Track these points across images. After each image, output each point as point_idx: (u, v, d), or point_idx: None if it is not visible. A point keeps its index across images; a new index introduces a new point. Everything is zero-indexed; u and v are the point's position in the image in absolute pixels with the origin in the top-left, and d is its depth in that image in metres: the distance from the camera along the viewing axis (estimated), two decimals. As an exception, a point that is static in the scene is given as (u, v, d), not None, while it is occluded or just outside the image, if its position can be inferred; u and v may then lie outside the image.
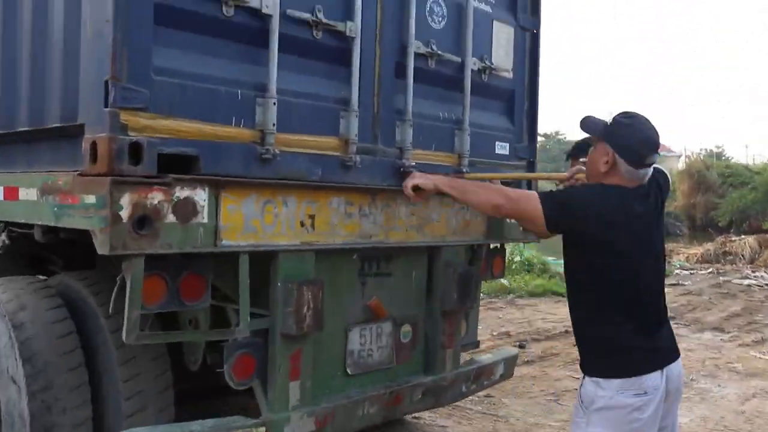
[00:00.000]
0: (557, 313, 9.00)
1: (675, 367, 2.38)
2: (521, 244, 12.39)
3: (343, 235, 2.93)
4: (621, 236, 2.30)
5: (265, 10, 2.59)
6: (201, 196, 2.42)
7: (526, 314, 8.84)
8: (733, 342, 7.59)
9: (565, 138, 68.83)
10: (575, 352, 6.62)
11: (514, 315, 8.73)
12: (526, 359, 6.33)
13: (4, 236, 3.09)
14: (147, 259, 2.31)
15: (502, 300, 9.74)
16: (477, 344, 4.18)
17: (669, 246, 17.93)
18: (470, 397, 4.31)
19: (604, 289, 2.30)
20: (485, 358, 3.86)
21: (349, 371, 3.07)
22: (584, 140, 3.04)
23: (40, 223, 2.64)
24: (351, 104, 2.93)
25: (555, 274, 11.74)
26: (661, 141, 2.44)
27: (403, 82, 3.18)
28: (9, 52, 2.89)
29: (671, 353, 2.42)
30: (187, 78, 2.41)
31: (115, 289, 2.41)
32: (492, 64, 3.66)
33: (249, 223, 2.58)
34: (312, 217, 2.82)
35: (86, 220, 2.28)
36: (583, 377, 2.39)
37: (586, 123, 2.46)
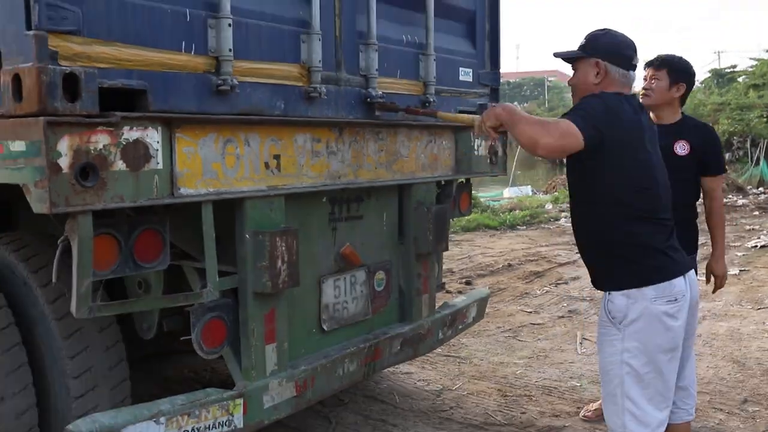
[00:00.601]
0: (494, 247, 8.96)
1: (692, 275, 2.36)
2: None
3: (311, 177, 2.59)
4: (639, 138, 2.28)
5: None
6: (154, 138, 2.03)
7: (464, 250, 8.74)
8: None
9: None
10: (522, 286, 6.62)
11: (452, 251, 8.58)
12: (475, 296, 6.19)
13: None
14: (95, 217, 1.92)
15: (438, 237, 9.60)
16: (442, 286, 3.95)
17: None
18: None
19: (630, 195, 2.24)
20: (458, 301, 3.64)
21: (324, 327, 2.77)
22: None
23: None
24: (312, 26, 2.55)
25: (486, 208, 11.72)
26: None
27: (363, 3, 2.82)
28: None
29: (688, 261, 2.41)
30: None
31: (57, 253, 2.00)
32: (451, -15, 3.32)
33: (209, 167, 2.22)
34: (277, 157, 2.46)
35: (15, 173, 1.86)
36: (608, 293, 2.30)
37: (561, 53, 2.50)
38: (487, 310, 5.78)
